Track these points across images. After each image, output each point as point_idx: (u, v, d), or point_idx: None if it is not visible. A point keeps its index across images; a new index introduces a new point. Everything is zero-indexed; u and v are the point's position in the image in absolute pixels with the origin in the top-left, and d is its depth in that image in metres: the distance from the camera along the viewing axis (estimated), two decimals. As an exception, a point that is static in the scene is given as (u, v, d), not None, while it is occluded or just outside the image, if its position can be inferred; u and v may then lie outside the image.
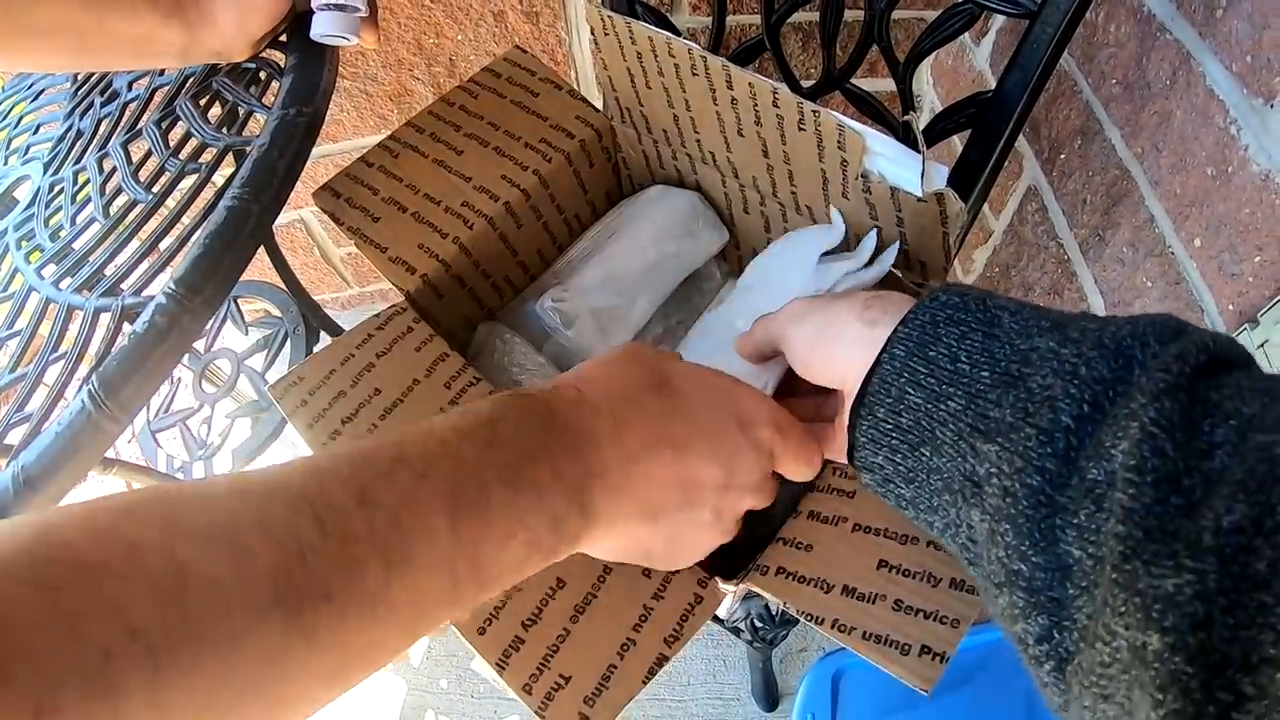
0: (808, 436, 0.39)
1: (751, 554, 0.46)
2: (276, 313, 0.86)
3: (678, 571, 0.42)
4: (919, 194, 0.43)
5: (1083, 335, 0.28)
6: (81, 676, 0.18)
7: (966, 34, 0.85)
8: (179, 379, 0.91)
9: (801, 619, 0.39)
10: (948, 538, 0.31)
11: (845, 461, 0.38)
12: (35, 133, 0.73)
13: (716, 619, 0.70)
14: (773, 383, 0.46)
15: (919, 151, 0.43)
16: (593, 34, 0.55)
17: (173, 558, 0.20)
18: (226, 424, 0.80)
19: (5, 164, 0.72)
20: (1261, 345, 0.44)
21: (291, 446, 1.24)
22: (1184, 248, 0.53)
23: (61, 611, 0.18)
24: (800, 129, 0.46)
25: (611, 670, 0.38)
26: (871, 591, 0.38)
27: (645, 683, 0.38)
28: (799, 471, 0.39)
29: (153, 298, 0.46)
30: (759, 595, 0.53)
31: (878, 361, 0.33)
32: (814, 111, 0.44)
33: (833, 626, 0.38)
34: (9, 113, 0.80)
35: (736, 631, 0.72)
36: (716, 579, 0.42)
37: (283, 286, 0.84)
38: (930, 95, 0.98)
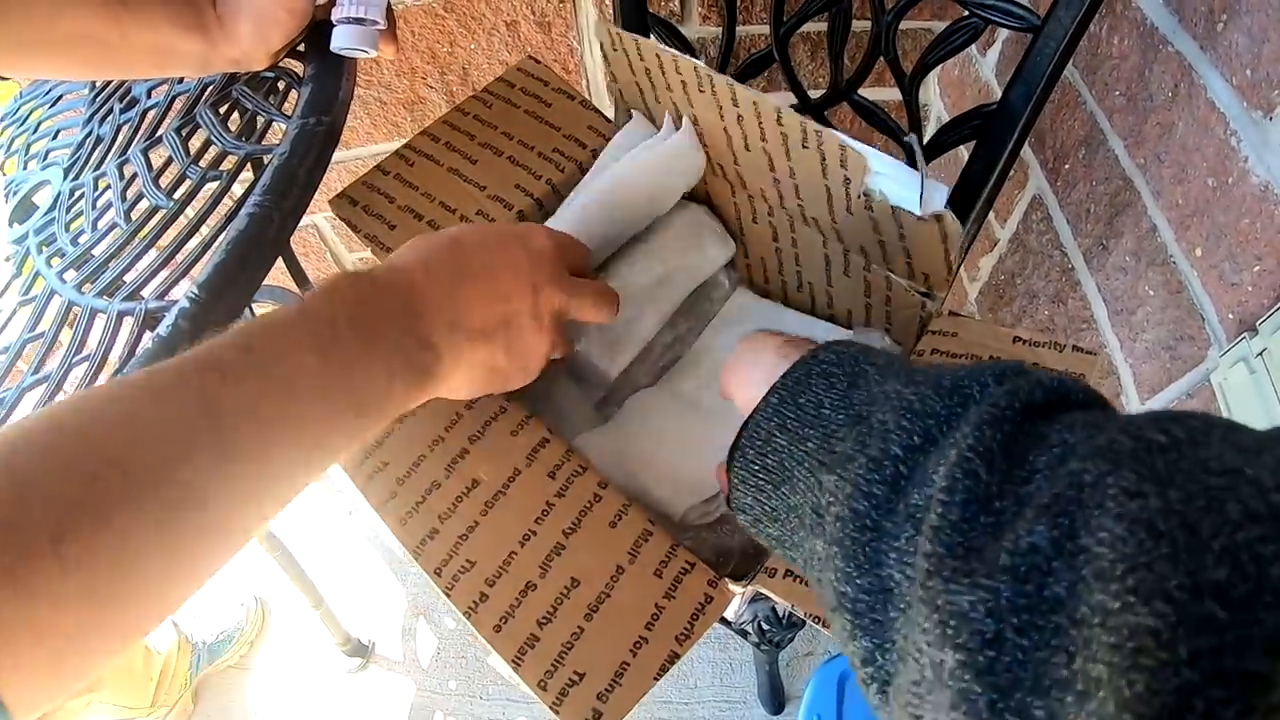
0: (579, 245, 0.48)
1: (759, 557, 0.47)
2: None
3: (690, 570, 0.42)
4: (918, 213, 0.44)
5: (926, 379, 0.29)
6: (82, 505, 0.24)
7: (973, 45, 0.86)
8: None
9: (809, 621, 0.40)
10: (810, 573, 0.32)
11: None
12: (54, 138, 0.74)
13: (724, 621, 0.71)
14: None
15: (922, 171, 0.44)
16: (603, 48, 0.56)
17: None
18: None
19: (25, 169, 0.73)
20: (1260, 354, 0.44)
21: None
22: (1185, 257, 0.54)
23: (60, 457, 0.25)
24: (804, 147, 0.47)
25: (624, 668, 0.39)
26: None
27: (657, 679, 0.39)
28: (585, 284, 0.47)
29: (176, 302, 0.47)
30: (767, 597, 0.54)
31: (755, 409, 0.35)
32: (816, 131, 0.45)
33: None
34: (26, 118, 0.81)
35: (744, 634, 0.73)
36: (726, 580, 0.42)
37: (297, 291, 0.85)
38: (937, 105, 0.99)
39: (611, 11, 0.69)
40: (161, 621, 0.29)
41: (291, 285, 0.86)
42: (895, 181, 0.44)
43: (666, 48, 0.50)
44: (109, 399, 0.28)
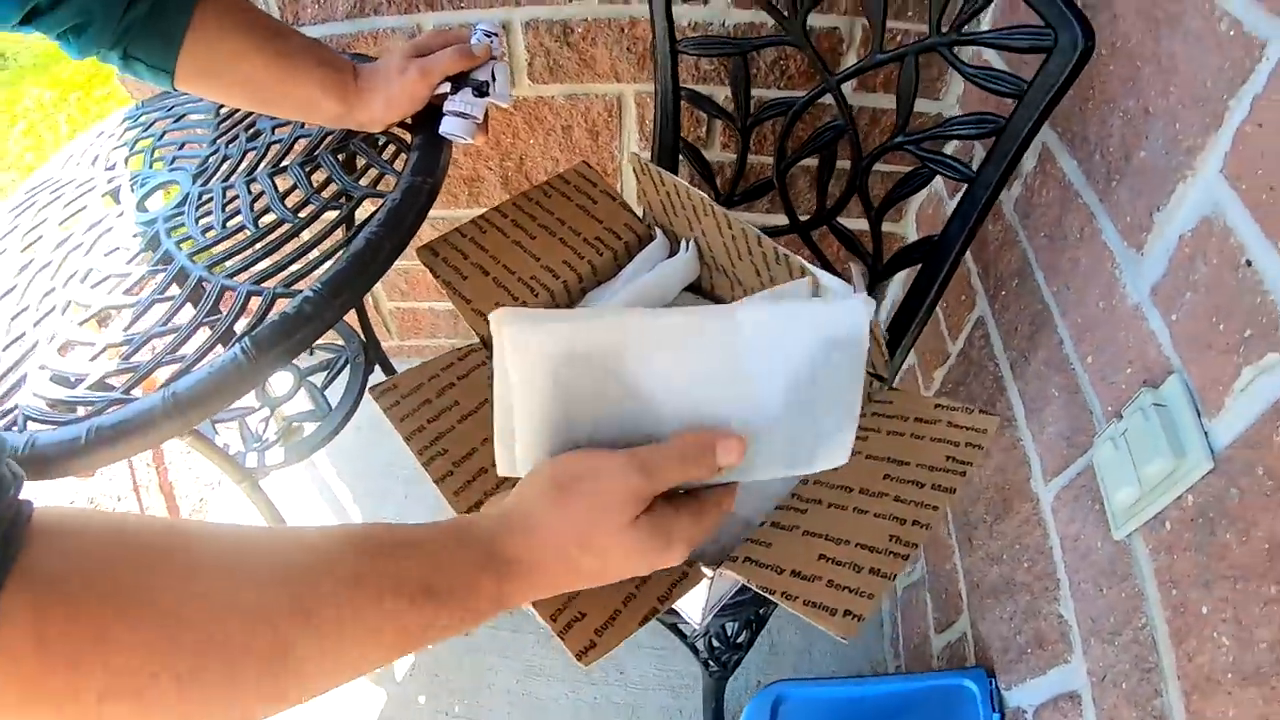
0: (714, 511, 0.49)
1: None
2: (340, 342, 1.01)
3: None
4: None
5: None
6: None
7: (944, 190, 1.05)
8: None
9: (760, 592, 0.52)
10: None
11: None
12: (180, 148, 0.89)
13: (680, 633, 0.81)
14: None
15: (855, 289, 0.60)
16: (635, 171, 0.73)
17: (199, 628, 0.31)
18: (282, 425, 0.93)
19: (150, 168, 0.87)
20: (1123, 433, 0.57)
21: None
22: (1080, 363, 0.68)
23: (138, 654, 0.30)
24: (776, 264, 0.63)
25: (616, 613, 0.51)
26: (812, 574, 0.51)
27: (640, 625, 0.51)
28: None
29: (301, 291, 0.61)
30: (721, 615, 0.66)
31: None
32: (785, 255, 0.61)
33: (781, 596, 0.50)
34: (150, 125, 0.95)
35: (695, 650, 0.83)
36: (699, 563, 0.54)
37: (350, 323, 0.98)
38: (913, 236, 1.18)
39: (652, 132, 0.87)
40: None
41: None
42: (839, 295, 0.60)
43: (680, 180, 0.67)
44: (203, 588, 0.32)
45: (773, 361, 0.47)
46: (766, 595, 0.51)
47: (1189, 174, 0.53)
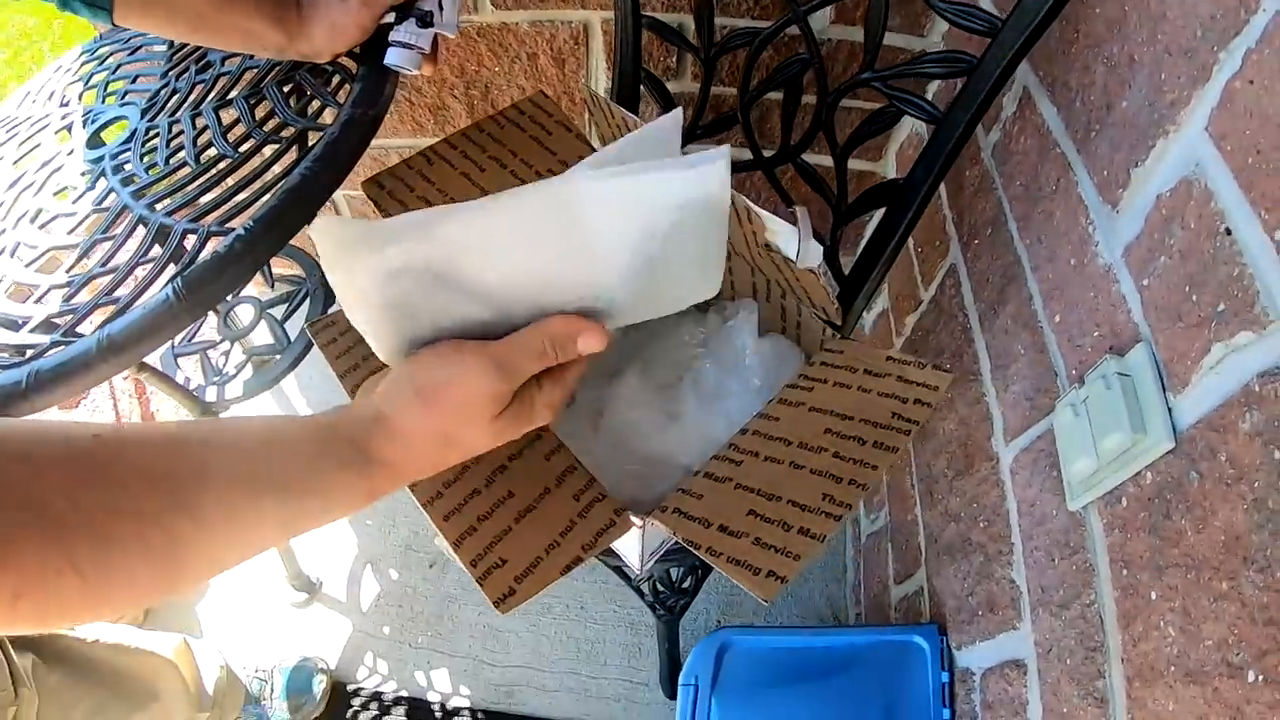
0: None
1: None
2: (301, 274, 0.99)
3: (601, 500, 0.54)
4: (796, 265, 0.58)
5: None
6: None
7: (925, 129, 1.00)
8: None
9: (685, 545, 0.51)
10: None
11: None
12: (132, 81, 0.86)
13: (626, 578, 0.82)
14: None
15: (800, 235, 0.57)
16: (588, 105, 0.70)
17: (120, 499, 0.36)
18: (242, 359, 0.92)
19: (103, 102, 0.85)
20: (1084, 400, 0.55)
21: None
22: (1048, 322, 0.65)
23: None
24: None
25: (538, 561, 0.50)
26: (740, 530, 0.50)
27: (562, 574, 0.50)
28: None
29: (234, 230, 0.59)
30: (665, 560, 0.66)
31: None
32: (733, 195, 0.58)
33: (706, 551, 0.49)
34: (106, 58, 0.92)
35: (640, 593, 0.84)
36: (629, 512, 0.54)
37: (310, 253, 0.97)
38: (893, 175, 1.14)
39: (615, 61, 0.83)
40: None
41: (306, 246, 0.98)
42: (786, 240, 0.57)
43: (629, 114, 0.64)
44: (103, 492, 0.35)
45: (621, 228, 0.45)
46: (692, 550, 0.51)
47: (1171, 129, 0.49)
